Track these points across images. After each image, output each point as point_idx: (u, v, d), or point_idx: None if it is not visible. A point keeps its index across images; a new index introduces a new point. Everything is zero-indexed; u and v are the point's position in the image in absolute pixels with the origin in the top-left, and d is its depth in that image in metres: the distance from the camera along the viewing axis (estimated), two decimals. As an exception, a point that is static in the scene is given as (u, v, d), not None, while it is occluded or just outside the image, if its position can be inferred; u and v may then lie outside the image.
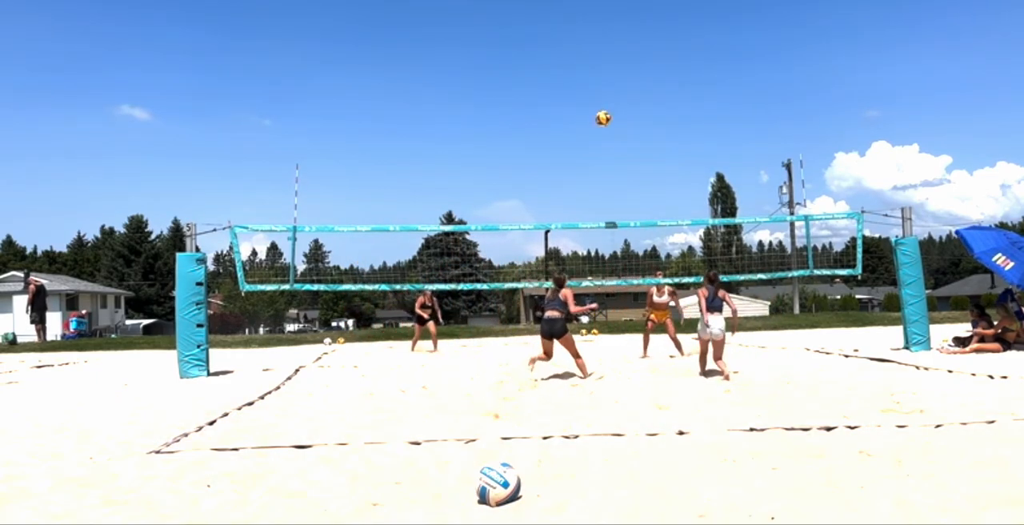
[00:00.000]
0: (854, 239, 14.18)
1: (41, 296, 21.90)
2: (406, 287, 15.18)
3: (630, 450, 4.98)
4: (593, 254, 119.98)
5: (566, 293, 9.47)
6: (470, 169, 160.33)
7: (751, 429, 5.53)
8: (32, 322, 21.75)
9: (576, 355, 9.51)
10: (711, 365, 9.35)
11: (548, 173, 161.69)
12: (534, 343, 17.73)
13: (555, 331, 9.41)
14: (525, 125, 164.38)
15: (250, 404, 7.71)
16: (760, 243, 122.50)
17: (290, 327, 74.68)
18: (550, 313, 9.50)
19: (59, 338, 27.63)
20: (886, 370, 9.55)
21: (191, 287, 11.01)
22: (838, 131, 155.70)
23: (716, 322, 9.01)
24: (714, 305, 9.10)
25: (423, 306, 15.17)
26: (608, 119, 11.39)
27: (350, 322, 78.63)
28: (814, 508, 3.58)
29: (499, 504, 3.78)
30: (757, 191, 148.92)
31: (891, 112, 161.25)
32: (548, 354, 9.68)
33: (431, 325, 15.30)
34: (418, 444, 5.31)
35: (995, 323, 11.91)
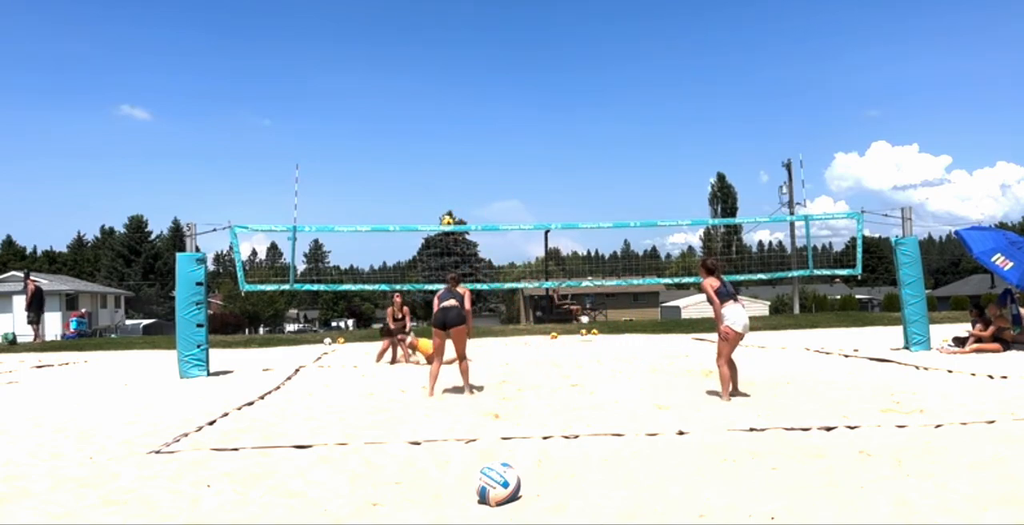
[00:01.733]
0: (854, 239, 14.19)
1: (39, 297, 22.04)
2: (406, 287, 15.01)
3: (630, 450, 4.98)
4: (593, 254, 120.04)
5: (463, 290, 8.33)
6: (470, 169, 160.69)
7: (751, 429, 5.53)
8: (29, 322, 22.02)
9: (462, 356, 8.20)
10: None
11: (548, 173, 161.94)
12: (534, 343, 17.74)
13: (448, 319, 7.99)
14: (525, 125, 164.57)
15: (250, 404, 7.71)
16: (760, 243, 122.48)
17: (290, 327, 74.69)
18: (445, 303, 8.19)
19: (59, 338, 27.65)
20: (886, 370, 9.55)
21: (191, 287, 11.01)
22: (838, 131, 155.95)
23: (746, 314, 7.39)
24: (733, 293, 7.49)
25: (395, 319, 12.72)
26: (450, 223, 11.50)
27: (350, 322, 78.63)
28: (814, 508, 3.58)
29: (499, 504, 3.78)
30: (757, 191, 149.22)
31: (891, 112, 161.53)
32: (440, 353, 8.19)
33: (406, 339, 12.67)
34: (418, 444, 5.31)
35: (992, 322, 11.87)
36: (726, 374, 7.30)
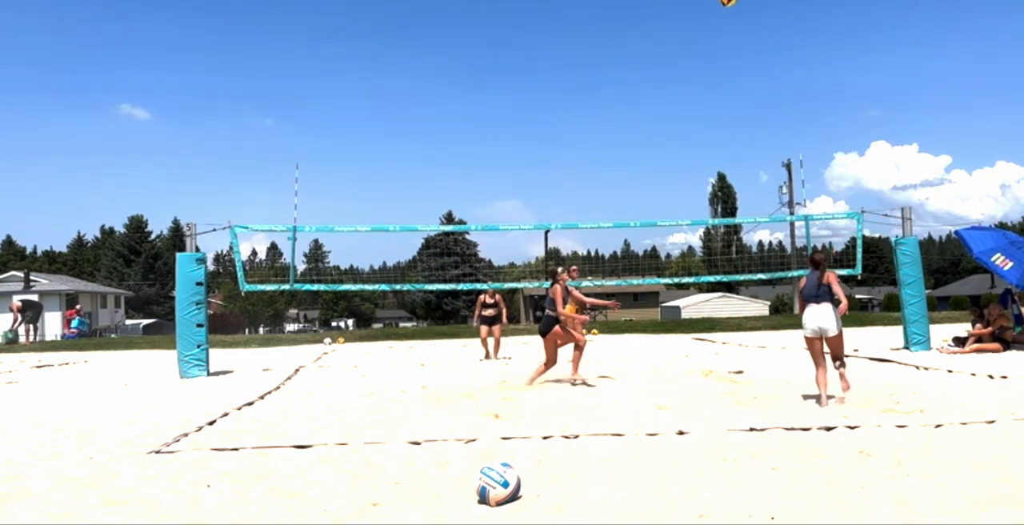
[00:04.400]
0: (854, 239, 14.19)
1: (24, 310, 23.63)
2: (406, 287, 14.97)
3: (630, 450, 4.98)
4: (593, 254, 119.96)
5: (555, 290, 8.58)
6: (470, 169, 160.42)
7: (751, 429, 5.53)
8: (27, 322, 23.56)
9: (574, 353, 8.82)
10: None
11: (548, 173, 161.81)
12: (534, 343, 17.73)
13: (541, 329, 8.89)
14: (525, 125, 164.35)
15: (250, 404, 7.71)
16: (760, 243, 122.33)
17: (290, 327, 74.68)
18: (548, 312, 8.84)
19: (59, 338, 27.67)
20: (886, 370, 9.55)
21: (191, 287, 11.02)
22: (838, 131, 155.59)
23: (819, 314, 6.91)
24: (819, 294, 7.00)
25: (485, 305, 13.38)
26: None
27: (350, 322, 78.68)
28: (814, 508, 3.58)
29: (499, 504, 3.78)
30: (757, 191, 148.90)
31: (891, 112, 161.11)
32: (550, 359, 8.72)
33: (496, 328, 13.41)
34: (418, 444, 5.31)
35: (991, 321, 11.84)
36: (818, 379, 6.88)
